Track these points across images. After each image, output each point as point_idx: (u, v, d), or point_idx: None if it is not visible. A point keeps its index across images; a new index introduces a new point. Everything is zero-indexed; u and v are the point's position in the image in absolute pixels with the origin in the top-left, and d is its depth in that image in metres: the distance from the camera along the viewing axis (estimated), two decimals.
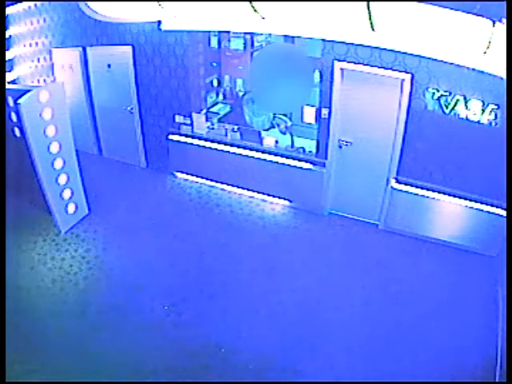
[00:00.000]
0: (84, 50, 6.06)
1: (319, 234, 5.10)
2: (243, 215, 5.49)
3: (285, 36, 5.16)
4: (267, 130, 5.70)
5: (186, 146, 5.90)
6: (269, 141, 5.49)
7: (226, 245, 4.96)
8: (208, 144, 5.75)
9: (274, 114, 5.58)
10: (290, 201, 5.62)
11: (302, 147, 5.38)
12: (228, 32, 5.58)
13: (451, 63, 3.89)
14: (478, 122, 4.16)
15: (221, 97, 6.20)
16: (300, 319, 4.04)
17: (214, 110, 6.01)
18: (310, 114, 5.27)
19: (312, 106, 5.26)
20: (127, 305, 4.18)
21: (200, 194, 5.95)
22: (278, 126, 5.57)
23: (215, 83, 6.10)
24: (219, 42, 5.77)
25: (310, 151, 5.33)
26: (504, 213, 4.35)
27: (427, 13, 3.12)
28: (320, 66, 4.83)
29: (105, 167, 6.63)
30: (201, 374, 3.55)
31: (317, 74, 5.14)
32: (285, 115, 5.56)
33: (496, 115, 4.05)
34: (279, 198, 5.68)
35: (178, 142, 5.92)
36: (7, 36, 6.49)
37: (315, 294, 4.29)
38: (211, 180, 6.07)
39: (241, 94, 6.03)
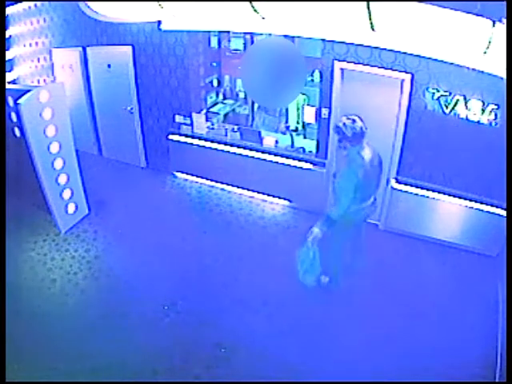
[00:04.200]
0: (84, 50, 6.06)
1: None
2: (243, 215, 5.49)
3: (285, 36, 5.16)
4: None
5: (186, 146, 5.90)
6: (269, 141, 5.50)
7: (226, 245, 4.95)
8: (208, 144, 5.76)
9: (287, 126, 5.59)
10: (290, 201, 5.62)
11: (302, 147, 5.39)
12: (228, 32, 5.58)
13: (451, 63, 3.89)
14: (478, 122, 4.16)
15: (221, 97, 6.21)
16: (300, 319, 4.04)
17: (214, 109, 6.01)
18: (310, 114, 5.28)
19: (312, 106, 5.26)
20: (127, 305, 4.18)
21: (200, 194, 5.95)
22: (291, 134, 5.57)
23: (215, 83, 6.11)
24: (219, 42, 5.77)
25: (310, 151, 5.33)
26: (504, 213, 4.34)
27: (427, 13, 3.13)
28: (320, 66, 4.83)
29: (105, 167, 6.63)
30: (201, 373, 3.55)
31: (317, 74, 5.14)
32: (296, 130, 5.57)
33: (496, 115, 4.05)
34: (279, 197, 5.68)
35: (178, 142, 5.92)
36: (7, 36, 6.49)
37: (315, 293, 4.29)
38: (211, 180, 6.07)
39: (241, 94, 6.04)
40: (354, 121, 3.46)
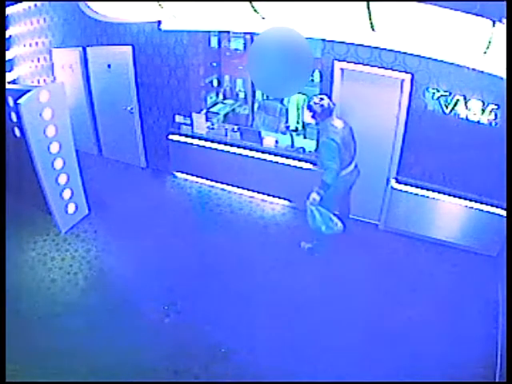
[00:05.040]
0: (84, 50, 6.05)
1: None
2: (243, 215, 5.49)
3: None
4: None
5: (186, 146, 5.90)
6: (269, 141, 5.49)
7: (226, 245, 4.95)
8: (208, 144, 5.75)
9: (287, 126, 5.60)
10: (290, 201, 5.62)
11: (302, 147, 5.38)
12: (228, 32, 5.58)
13: (451, 63, 3.89)
14: (478, 122, 4.16)
15: (221, 97, 6.21)
16: (300, 319, 4.04)
17: (214, 109, 6.01)
18: (310, 114, 5.26)
19: None
20: (127, 305, 4.18)
21: (200, 194, 5.95)
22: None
23: (215, 83, 6.11)
24: (219, 42, 5.77)
25: (310, 151, 5.32)
26: (504, 213, 4.35)
27: (427, 13, 3.13)
28: (320, 66, 4.83)
29: (105, 167, 6.64)
30: (201, 373, 3.55)
31: (317, 74, 5.14)
32: (296, 130, 5.57)
33: (496, 115, 4.05)
34: (279, 198, 5.68)
35: (178, 142, 5.92)
36: (7, 36, 6.49)
37: (315, 293, 4.29)
38: (211, 180, 6.07)
39: (241, 94, 6.04)
40: (321, 99, 4.11)
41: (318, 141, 4.39)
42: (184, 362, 3.64)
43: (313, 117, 4.20)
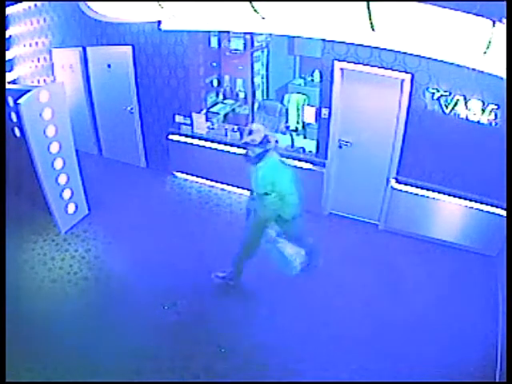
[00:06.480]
0: (84, 50, 6.06)
1: (319, 234, 5.09)
2: (243, 215, 5.47)
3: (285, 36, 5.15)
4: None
5: (186, 146, 5.90)
6: None
7: (226, 245, 4.94)
8: (208, 144, 5.75)
9: (287, 126, 5.60)
10: None
11: (302, 147, 5.39)
12: (228, 32, 5.58)
13: (451, 63, 3.89)
14: (478, 122, 4.16)
15: (221, 97, 6.21)
16: (300, 319, 4.04)
17: (214, 109, 6.01)
18: (310, 114, 5.28)
19: (312, 106, 5.26)
20: (127, 304, 4.18)
21: (200, 194, 5.95)
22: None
23: (215, 83, 6.11)
24: (219, 42, 5.77)
25: (310, 151, 5.32)
26: (504, 213, 4.35)
27: (427, 13, 3.13)
28: (320, 66, 4.83)
29: (105, 167, 6.63)
30: (201, 374, 3.55)
31: (317, 74, 5.14)
32: (296, 130, 5.57)
33: (496, 115, 4.05)
34: None
35: (178, 142, 5.93)
36: (7, 36, 6.49)
37: (315, 293, 4.29)
38: (211, 180, 6.07)
39: (241, 94, 6.04)
40: (250, 131, 3.61)
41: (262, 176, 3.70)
42: (184, 362, 3.64)
43: (256, 157, 3.64)
